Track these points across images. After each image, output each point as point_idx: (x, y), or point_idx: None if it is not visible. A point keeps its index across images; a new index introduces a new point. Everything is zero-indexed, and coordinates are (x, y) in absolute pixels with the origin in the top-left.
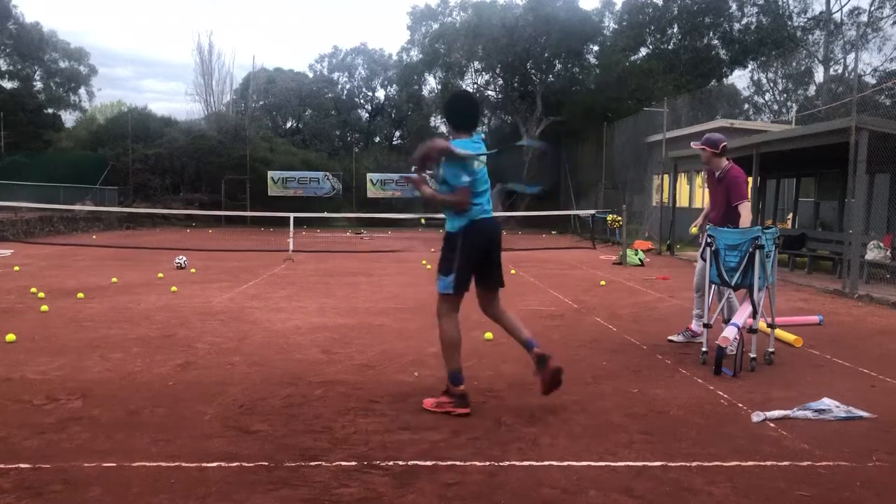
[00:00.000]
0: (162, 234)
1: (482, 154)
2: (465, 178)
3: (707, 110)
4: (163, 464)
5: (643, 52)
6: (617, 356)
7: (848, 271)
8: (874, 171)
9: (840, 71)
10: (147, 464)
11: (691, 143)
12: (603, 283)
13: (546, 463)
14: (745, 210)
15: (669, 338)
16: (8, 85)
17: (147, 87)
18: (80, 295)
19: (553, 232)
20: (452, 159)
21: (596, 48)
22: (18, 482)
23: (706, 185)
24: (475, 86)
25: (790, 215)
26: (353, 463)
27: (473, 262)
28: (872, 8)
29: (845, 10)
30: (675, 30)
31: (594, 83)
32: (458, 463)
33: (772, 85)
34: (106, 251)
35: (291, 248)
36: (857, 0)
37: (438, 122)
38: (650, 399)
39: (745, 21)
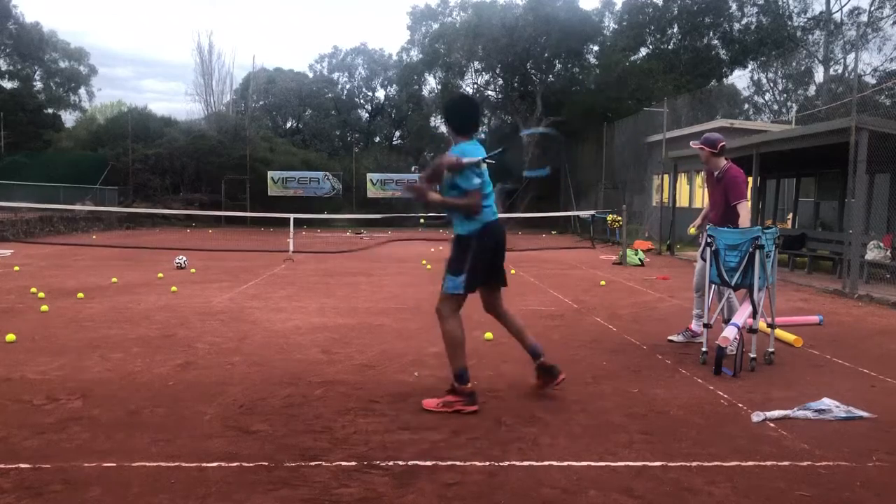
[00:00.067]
0: (162, 234)
1: (491, 156)
2: (476, 181)
3: (707, 110)
4: (163, 464)
5: (643, 52)
6: (617, 356)
7: (848, 271)
8: (874, 171)
9: (840, 71)
10: (147, 464)
11: (690, 143)
12: (603, 283)
13: (546, 463)
14: (744, 210)
15: (669, 338)
16: (8, 85)
17: (147, 87)
18: (80, 295)
19: (553, 232)
20: (462, 168)
21: (596, 48)
22: (18, 482)
23: (705, 185)
24: (475, 86)
25: (790, 215)
26: (353, 463)
27: (485, 265)
28: (872, 8)
29: (845, 10)
30: (675, 30)
31: (594, 83)
32: (458, 463)
33: (772, 85)
34: (106, 251)
35: (291, 248)
36: (857, 0)
37: (438, 122)
38: (650, 399)
39: (745, 21)
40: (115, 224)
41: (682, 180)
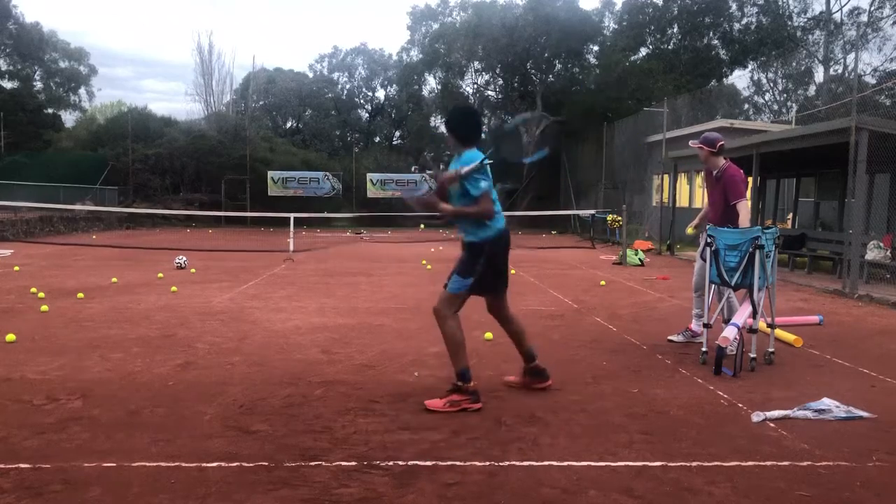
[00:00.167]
0: (162, 234)
1: (488, 155)
2: (484, 185)
3: (707, 110)
4: (163, 464)
5: (643, 52)
6: (617, 356)
7: (848, 271)
8: (874, 171)
9: (840, 71)
10: (147, 464)
11: (689, 143)
12: (603, 283)
13: (546, 463)
14: (744, 209)
15: (669, 338)
16: (8, 85)
17: (147, 87)
18: (80, 295)
19: (553, 232)
20: (465, 177)
21: (596, 48)
22: (18, 482)
23: (704, 184)
24: (475, 86)
25: (790, 215)
26: (353, 463)
27: (496, 270)
28: (872, 8)
29: (845, 10)
30: (675, 30)
31: (594, 83)
32: (458, 463)
33: (772, 85)
34: (106, 251)
35: (292, 248)
36: (857, 0)
37: (438, 122)
38: (650, 399)
39: (745, 21)
40: (115, 224)
41: (682, 180)
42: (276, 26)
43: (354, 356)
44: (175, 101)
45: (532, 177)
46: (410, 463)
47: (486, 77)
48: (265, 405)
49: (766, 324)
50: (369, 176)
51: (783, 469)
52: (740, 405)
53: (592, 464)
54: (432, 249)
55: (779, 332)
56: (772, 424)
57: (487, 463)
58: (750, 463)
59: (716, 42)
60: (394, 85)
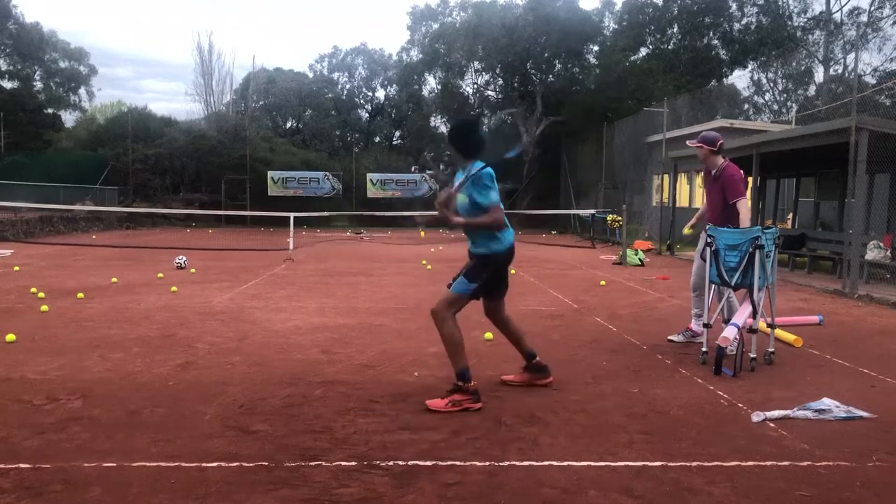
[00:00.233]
0: (162, 234)
1: (483, 169)
2: (494, 195)
3: (707, 110)
4: (163, 464)
5: (643, 52)
6: (617, 356)
7: (848, 271)
8: (874, 171)
9: (840, 71)
10: (147, 464)
11: (687, 142)
12: (603, 283)
13: (546, 463)
14: (744, 207)
15: (669, 338)
16: (8, 85)
17: (147, 87)
18: (80, 295)
19: (553, 232)
20: (472, 186)
21: (596, 48)
22: (18, 482)
23: (704, 184)
24: (475, 86)
25: (790, 215)
26: (353, 463)
27: (500, 279)
28: (872, 8)
29: (845, 10)
30: (675, 30)
31: (594, 83)
32: (458, 463)
33: (772, 85)
34: (106, 251)
35: (292, 247)
36: (857, 0)
37: (438, 122)
38: (650, 399)
39: (745, 21)
40: (115, 224)
41: (682, 180)
42: (276, 26)
43: (354, 356)
44: (175, 101)
45: (532, 177)
46: (410, 463)
47: (486, 77)
48: (265, 405)
49: (766, 324)
50: (369, 176)
51: (783, 469)
52: (740, 405)
53: (592, 464)
54: (432, 249)
55: (779, 332)
56: (772, 424)
57: (487, 463)
58: (750, 463)
59: (716, 42)
60: (394, 85)
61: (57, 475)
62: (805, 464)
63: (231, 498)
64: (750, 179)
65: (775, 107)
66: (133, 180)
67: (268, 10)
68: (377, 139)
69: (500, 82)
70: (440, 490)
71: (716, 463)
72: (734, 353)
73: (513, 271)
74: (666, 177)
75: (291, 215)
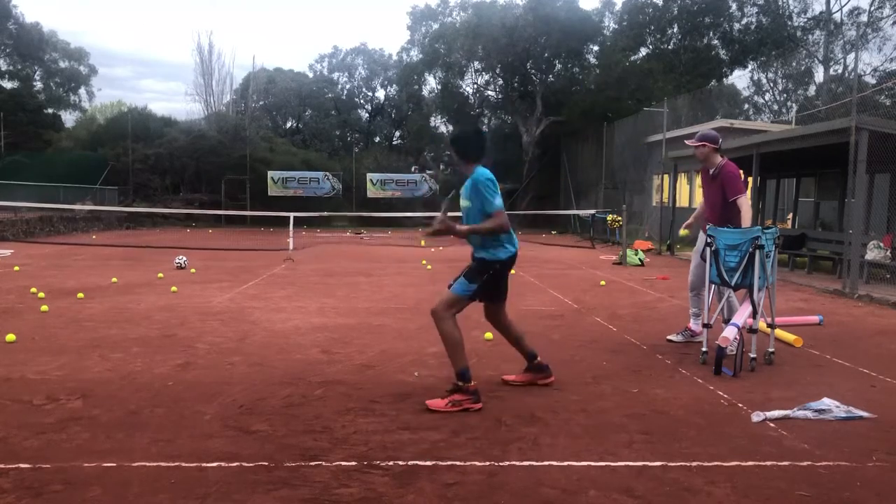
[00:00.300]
0: (162, 234)
1: (480, 178)
2: (499, 201)
3: (707, 110)
4: (163, 464)
5: (643, 52)
6: (617, 356)
7: (848, 271)
8: (874, 171)
9: (840, 71)
10: (147, 464)
11: (686, 142)
12: (603, 283)
13: (546, 463)
14: (745, 204)
15: (668, 337)
16: (8, 85)
17: (146, 87)
18: (80, 295)
19: (553, 232)
20: (474, 192)
21: (596, 48)
22: (18, 482)
23: (702, 184)
24: (475, 86)
25: (790, 215)
26: (353, 463)
27: (499, 284)
28: (872, 8)
29: (845, 10)
30: (675, 30)
31: (594, 83)
32: (458, 463)
33: (772, 85)
34: (106, 251)
35: (291, 247)
36: (857, 0)
37: (438, 122)
38: (650, 399)
39: (745, 21)
40: (115, 224)
41: (682, 180)
42: (276, 26)
43: (354, 356)
44: (175, 101)
45: (532, 177)
46: (410, 463)
47: (486, 77)
48: (265, 405)
49: (766, 324)
50: (369, 176)
51: (783, 469)
52: (740, 405)
53: (592, 464)
54: (432, 249)
55: (779, 332)
56: (772, 424)
57: (487, 463)
58: (750, 463)
59: (716, 42)
60: (394, 85)
61: (57, 475)
62: (805, 464)
63: (231, 498)
64: (750, 179)
65: (775, 107)
66: (133, 180)
67: (268, 10)
68: (377, 139)
69: (500, 82)
70: (440, 490)
71: (716, 463)
72: (734, 353)
73: (513, 271)
74: (666, 177)
75: (291, 215)
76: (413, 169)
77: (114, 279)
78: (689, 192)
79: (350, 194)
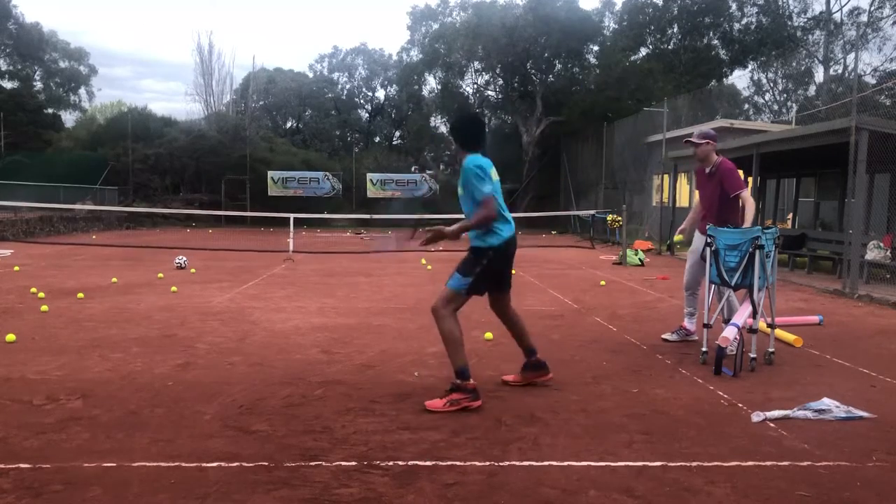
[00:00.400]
0: (162, 234)
1: (474, 164)
2: (487, 188)
3: (707, 110)
4: (163, 464)
5: (643, 52)
6: (617, 356)
7: (848, 271)
8: (874, 171)
9: (840, 71)
10: (147, 464)
11: (687, 141)
12: (603, 283)
13: (546, 463)
14: (749, 198)
15: (663, 336)
16: (8, 85)
17: (146, 86)
18: (80, 295)
19: (553, 232)
20: (465, 179)
21: (596, 48)
22: (18, 482)
23: (697, 184)
24: (475, 86)
25: (790, 215)
26: (353, 463)
27: (496, 275)
28: (872, 8)
29: (845, 10)
30: (675, 30)
31: (594, 83)
32: (458, 463)
33: (772, 85)
34: (106, 251)
35: (291, 248)
36: (857, 0)
37: (438, 122)
38: (650, 399)
39: (745, 21)
40: (115, 224)
41: (682, 180)
42: (276, 26)
43: (354, 356)
44: (174, 100)
45: (532, 177)
46: (410, 463)
47: (486, 77)
48: (265, 405)
49: (766, 324)
50: (369, 176)
51: (783, 469)
52: (740, 405)
53: (592, 464)
54: (432, 249)
55: (779, 332)
56: (772, 424)
57: (487, 463)
58: (750, 463)
59: (716, 42)
60: (394, 85)
61: (57, 475)
62: (805, 464)
63: (231, 498)
64: (750, 179)
65: (775, 107)
66: (133, 180)
67: (268, 10)
68: (377, 139)
69: (500, 82)
70: (440, 490)
71: (716, 463)
72: (734, 353)
73: (513, 271)
74: (666, 177)
75: (291, 216)
76: (413, 169)
77: (114, 279)
78: (689, 192)
79: (350, 194)
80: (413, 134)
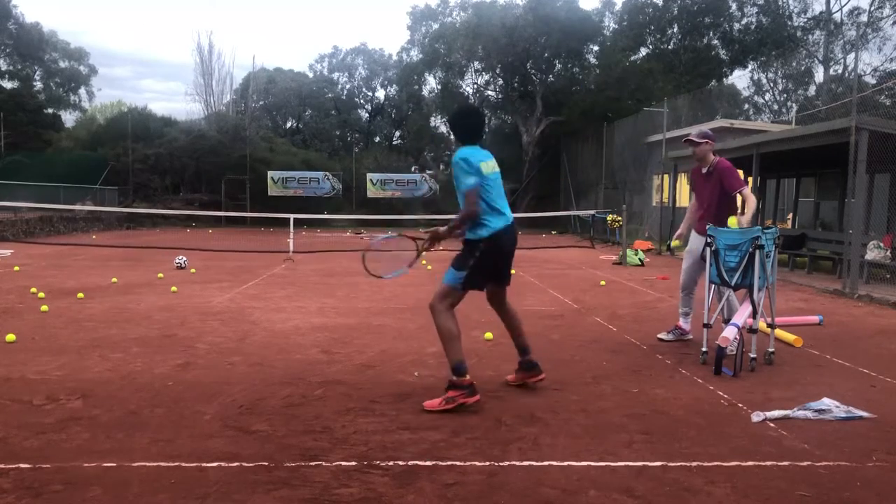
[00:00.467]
0: (162, 234)
1: (462, 156)
2: (470, 181)
3: (707, 110)
4: (163, 464)
5: (643, 52)
6: (617, 356)
7: (848, 271)
8: (874, 171)
9: (840, 71)
10: (147, 464)
11: (687, 140)
12: (603, 283)
13: (546, 463)
14: (750, 195)
15: (659, 336)
16: (8, 85)
17: (145, 86)
18: (80, 295)
19: (553, 232)
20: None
21: (596, 48)
22: (18, 482)
23: (693, 184)
24: (475, 86)
25: (790, 215)
26: (353, 463)
27: (489, 269)
28: (872, 8)
29: (845, 10)
30: (675, 30)
31: (594, 83)
32: (458, 463)
33: (772, 85)
34: (106, 251)
35: (291, 248)
36: (857, 0)
37: (438, 122)
38: (650, 399)
39: (745, 21)
40: (115, 224)
41: (682, 180)
42: (276, 26)
43: (354, 356)
44: (174, 100)
45: (532, 177)
46: (410, 463)
47: (486, 77)
48: (265, 405)
49: (766, 324)
50: (369, 176)
51: (783, 469)
52: (740, 405)
53: (592, 464)
54: (432, 250)
55: (779, 332)
56: (772, 424)
57: (487, 463)
58: (750, 463)
59: (716, 42)
60: (394, 85)
61: (57, 475)
62: (805, 464)
63: (231, 498)
64: (750, 179)
65: (775, 107)
66: (133, 180)
67: (268, 10)
68: (377, 139)
69: (500, 82)
70: (440, 490)
71: (716, 463)
72: (734, 353)
73: (513, 271)
74: (666, 177)
75: (291, 217)
76: (413, 169)
77: (114, 279)
78: (689, 192)
79: (350, 194)
80: (413, 134)
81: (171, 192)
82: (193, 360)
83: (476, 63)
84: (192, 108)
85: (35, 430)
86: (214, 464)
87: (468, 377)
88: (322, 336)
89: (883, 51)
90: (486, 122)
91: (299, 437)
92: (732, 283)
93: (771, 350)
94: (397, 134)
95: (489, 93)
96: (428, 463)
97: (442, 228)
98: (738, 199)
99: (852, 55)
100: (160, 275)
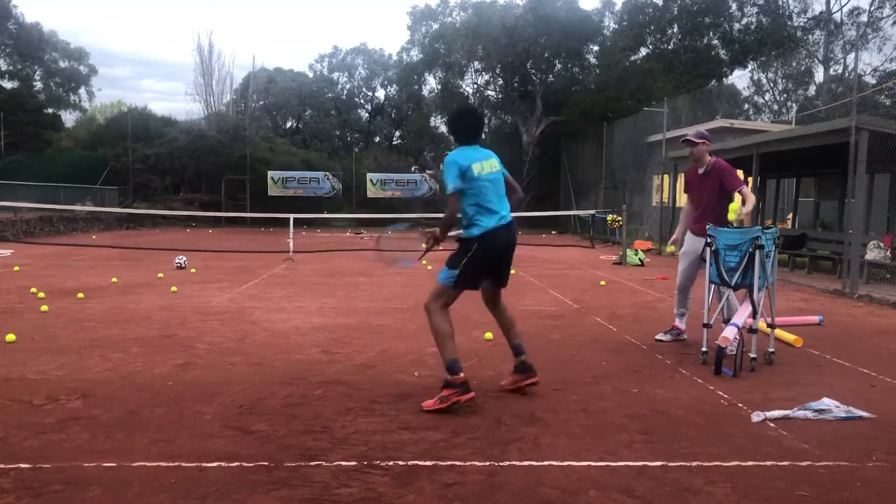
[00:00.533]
0: (162, 234)
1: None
2: (451, 185)
3: (707, 110)
4: (163, 464)
5: (643, 52)
6: (617, 356)
7: (848, 271)
8: (874, 171)
9: (840, 71)
10: (147, 464)
11: (685, 140)
12: (603, 283)
13: (546, 463)
14: (749, 193)
15: (656, 337)
16: (8, 85)
17: (145, 86)
18: (80, 295)
19: (553, 232)
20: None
21: (596, 48)
22: (18, 482)
23: (689, 185)
24: (475, 86)
25: (790, 215)
26: (353, 463)
27: (482, 268)
28: (872, 8)
29: (845, 10)
30: (675, 30)
31: (594, 83)
32: (458, 463)
33: (772, 85)
34: (106, 251)
35: (291, 248)
36: (857, 0)
37: (438, 122)
38: (650, 399)
39: (745, 21)
40: (115, 224)
41: (682, 180)
42: (276, 26)
43: (354, 356)
44: (174, 100)
45: (532, 177)
46: (410, 463)
47: (486, 77)
48: (265, 405)
49: (766, 324)
50: (369, 176)
51: (783, 469)
52: (740, 405)
53: (592, 464)
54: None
55: (779, 332)
56: (772, 424)
57: (487, 463)
58: (750, 463)
59: (716, 42)
60: (394, 85)
61: (57, 475)
62: (805, 464)
63: (231, 498)
64: (750, 179)
65: (775, 107)
66: (133, 180)
67: (268, 10)
68: (377, 139)
69: (500, 82)
70: (440, 490)
71: (716, 463)
72: (734, 353)
73: (513, 271)
74: (666, 177)
75: (291, 217)
76: (413, 169)
77: (114, 279)
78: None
79: (350, 194)
80: (413, 134)
81: (171, 192)
82: (193, 360)
83: (476, 63)
84: (192, 108)
85: (35, 430)
86: (214, 464)
87: (462, 375)
88: (322, 336)
89: (883, 51)
90: (486, 122)
91: (299, 437)
92: (732, 283)
93: (771, 350)
94: (397, 134)
95: (489, 93)
96: (428, 463)
97: (434, 230)
98: (738, 198)
99: (852, 55)
100: (160, 275)
